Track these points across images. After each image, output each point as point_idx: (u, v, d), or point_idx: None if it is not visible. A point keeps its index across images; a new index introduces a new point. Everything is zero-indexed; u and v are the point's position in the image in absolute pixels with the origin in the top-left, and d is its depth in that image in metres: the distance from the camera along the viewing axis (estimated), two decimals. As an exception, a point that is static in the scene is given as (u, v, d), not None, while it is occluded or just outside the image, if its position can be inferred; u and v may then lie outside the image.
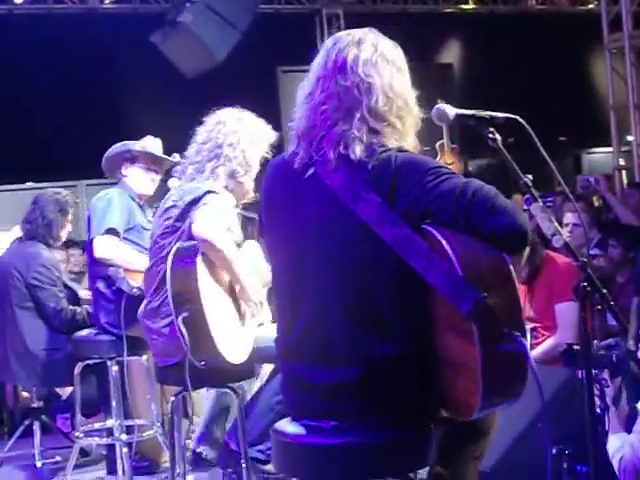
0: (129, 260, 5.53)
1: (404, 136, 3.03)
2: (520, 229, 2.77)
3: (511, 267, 2.81)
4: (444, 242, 2.76)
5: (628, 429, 4.08)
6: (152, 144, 5.90)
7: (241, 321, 4.55)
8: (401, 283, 2.86)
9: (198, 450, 5.24)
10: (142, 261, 5.45)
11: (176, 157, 5.89)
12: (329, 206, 2.94)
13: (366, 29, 3.11)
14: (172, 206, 4.61)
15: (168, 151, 5.93)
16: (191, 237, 4.38)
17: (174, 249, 4.34)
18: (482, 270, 2.79)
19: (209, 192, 4.48)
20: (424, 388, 2.91)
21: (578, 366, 2.95)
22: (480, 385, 2.71)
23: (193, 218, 4.38)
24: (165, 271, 4.41)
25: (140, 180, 5.87)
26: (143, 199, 5.91)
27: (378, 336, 2.87)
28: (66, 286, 6.62)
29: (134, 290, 5.34)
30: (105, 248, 5.51)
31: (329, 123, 3.00)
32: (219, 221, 4.36)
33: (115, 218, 5.58)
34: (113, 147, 5.90)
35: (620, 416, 4.08)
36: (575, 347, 3.93)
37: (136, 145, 5.86)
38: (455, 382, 2.86)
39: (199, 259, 4.28)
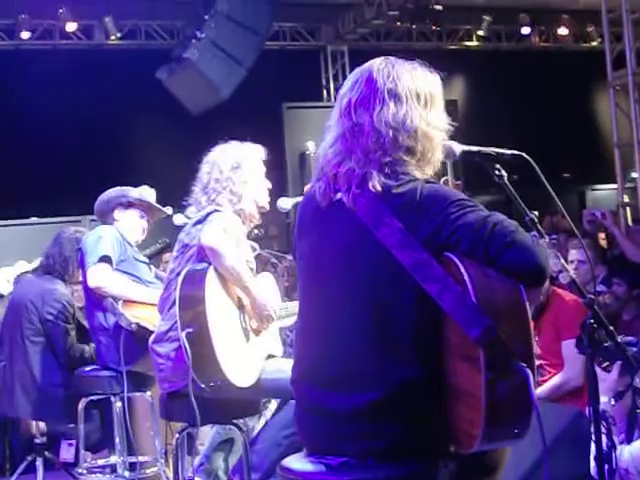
0: (123, 289, 5.53)
1: (424, 160, 3.01)
2: (538, 265, 2.76)
3: (526, 301, 2.79)
4: (461, 267, 2.76)
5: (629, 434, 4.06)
6: (148, 193, 5.92)
7: (248, 339, 4.56)
8: (417, 308, 2.85)
9: (196, 479, 5.23)
10: (137, 290, 5.46)
11: (169, 210, 5.93)
12: (352, 231, 2.95)
13: (379, 59, 3.10)
14: (182, 237, 4.69)
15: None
16: (201, 257, 4.41)
17: (184, 272, 4.39)
18: (496, 300, 2.77)
19: (214, 211, 4.55)
20: (436, 414, 2.89)
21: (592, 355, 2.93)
22: (483, 414, 2.69)
23: (201, 233, 4.42)
24: (174, 295, 4.45)
25: (132, 226, 5.90)
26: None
27: (394, 360, 2.86)
28: (79, 323, 6.60)
29: (132, 325, 5.33)
30: (99, 276, 5.51)
31: (334, 164, 3.02)
32: (225, 232, 4.41)
33: (107, 247, 5.60)
34: (109, 191, 5.91)
35: (622, 409, 4.05)
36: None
37: (133, 192, 5.87)
38: (458, 410, 2.84)
39: (210, 272, 4.33)
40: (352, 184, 2.96)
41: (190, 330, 4.22)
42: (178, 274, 4.50)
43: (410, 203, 2.87)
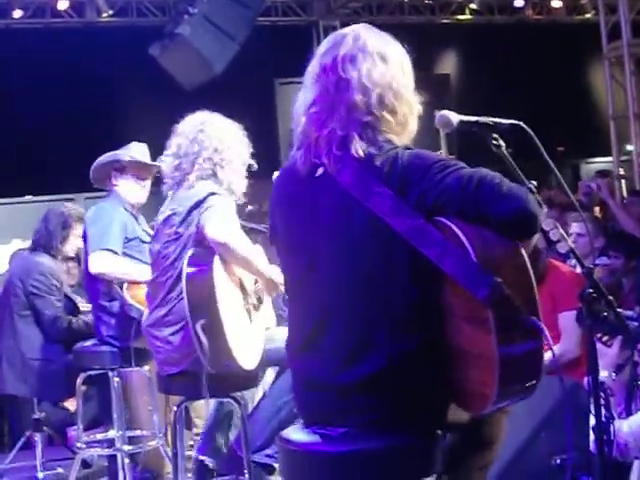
0: (125, 271, 5.52)
1: (403, 126, 3.02)
2: (530, 212, 2.74)
3: (525, 256, 2.78)
4: (457, 230, 2.75)
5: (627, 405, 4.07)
6: (139, 151, 5.89)
7: (251, 320, 4.57)
8: (413, 276, 2.85)
9: (201, 458, 5.23)
10: (139, 271, 5.44)
11: (164, 161, 5.90)
12: (340, 203, 2.93)
13: (358, 25, 3.12)
14: (172, 214, 4.62)
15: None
16: (198, 242, 4.40)
17: (188, 255, 4.36)
18: (496, 258, 2.77)
19: (211, 194, 4.51)
20: (436, 384, 2.89)
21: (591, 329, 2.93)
22: (496, 373, 2.69)
23: (202, 222, 4.39)
24: (171, 280, 4.43)
25: (132, 190, 5.86)
26: (136, 207, 5.90)
27: (390, 332, 2.86)
28: (66, 296, 6.62)
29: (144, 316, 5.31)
30: (100, 263, 5.48)
31: (317, 125, 2.99)
32: (231, 222, 4.41)
33: (113, 239, 5.54)
34: (101, 157, 5.89)
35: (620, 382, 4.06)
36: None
37: (124, 155, 5.85)
38: (468, 374, 2.83)
39: (216, 260, 4.30)
40: (332, 146, 2.94)
41: (203, 321, 4.21)
42: (174, 261, 4.49)
43: (393, 170, 2.86)
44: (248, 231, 4.88)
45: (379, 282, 2.89)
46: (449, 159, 2.92)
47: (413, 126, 3.06)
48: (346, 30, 3.10)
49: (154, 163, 5.85)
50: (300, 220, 3.07)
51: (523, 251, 2.79)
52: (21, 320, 6.50)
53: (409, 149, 2.94)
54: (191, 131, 4.77)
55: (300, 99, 3.08)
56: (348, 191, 2.91)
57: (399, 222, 2.82)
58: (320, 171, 3.00)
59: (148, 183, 5.94)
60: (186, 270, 4.32)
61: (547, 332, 2.76)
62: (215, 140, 4.69)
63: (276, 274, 4.53)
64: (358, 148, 2.91)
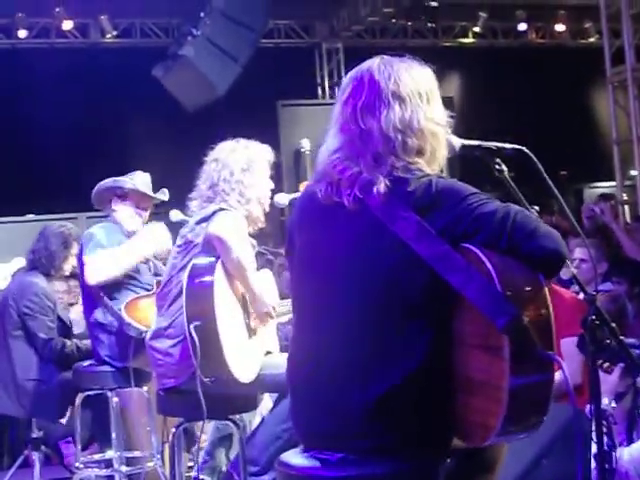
0: (120, 263, 5.55)
1: (431, 157, 3.01)
2: (561, 254, 2.79)
3: (546, 290, 2.79)
4: (484, 258, 2.76)
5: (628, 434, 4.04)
6: (142, 181, 5.90)
7: (250, 335, 4.56)
8: (430, 301, 2.84)
9: (201, 477, 5.22)
10: (127, 254, 5.47)
11: (165, 193, 5.92)
12: (364, 225, 2.93)
13: (374, 61, 3.09)
14: (184, 228, 4.70)
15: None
16: (205, 250, 4.40)
17: (190, 265, 4.38)
18: (518, 288, 2.78)
19: (220, 210, 4.54)
20: (439, 410, 2.87)
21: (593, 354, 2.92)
22: (505, 403, 2.68)
23: (208, 228, 4.43)
24: (176, 290, 4.44)
25: (130, 217, 5.86)
26: (131, 235, 5.90)
27: (400, 357, 2.85)
28: (59, 318, 6.61)
29: (143, 335, 5.30)
30: (94, 269, 5.49)
31: (340, 169, 3.00)
32: (233, 225, 4.42)
33: (103, 242, 5.58)
34: (104, 182, 5.89)
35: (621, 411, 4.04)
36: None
37: (127, 182, 5.85)
38: (470, 403, 2.82)
39: (218, 266, 4.32)
40: (355, 187, 2.94)
41: (198, 323, 4.21)
42: (180, 269, 4.50)
43: (425, 196, 2.86)
44: (257, 255, 4.90)
45: (392, 306, 2.87)
46: (483, 193, 2.92)
47: (442, 153, 3.05)
48: (364, 69, 3.07)
49: (155, 195, 5.88)
50: (318, 239, 3.07)
51: (544, 285, 2.80)
52: (13, 341, 6.48)
53: (442, 177, 2.95)
54: (216, 159, 4.78)
55: (326, 144, 3.09)
56: (373, 214, 2.91)
57: (423, 247, 2.82)
58: (341, 202, 2.99)
59: (146, 214, 5.95)
60: (187, 276, 4.34)
61: (565, 366, 2.74)
62: (237, 168, 4.70)
63: (263, 293, 4.53)
64: (381, 186, 2.90)
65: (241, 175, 4.68)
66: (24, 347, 6.47)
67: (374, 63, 3.08)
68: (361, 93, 3.02)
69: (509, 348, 2.67)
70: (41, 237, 6.63)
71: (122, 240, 5.69)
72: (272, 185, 4.85)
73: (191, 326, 4.21)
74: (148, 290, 5.64)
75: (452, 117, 3.09)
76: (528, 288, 2.80)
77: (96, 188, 5.90)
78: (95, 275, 5.51)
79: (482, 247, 2.79)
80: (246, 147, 4.79)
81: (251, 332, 4.58)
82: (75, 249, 6.47)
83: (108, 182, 5.89)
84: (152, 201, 5.95)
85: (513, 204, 2.87)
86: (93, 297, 5.67)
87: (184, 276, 4.37)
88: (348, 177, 2.97)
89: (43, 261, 6.56)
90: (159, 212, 6.15)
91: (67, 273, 6.85)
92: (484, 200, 2.85)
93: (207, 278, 4.31)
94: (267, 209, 4.82)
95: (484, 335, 2.75)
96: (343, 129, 3.04)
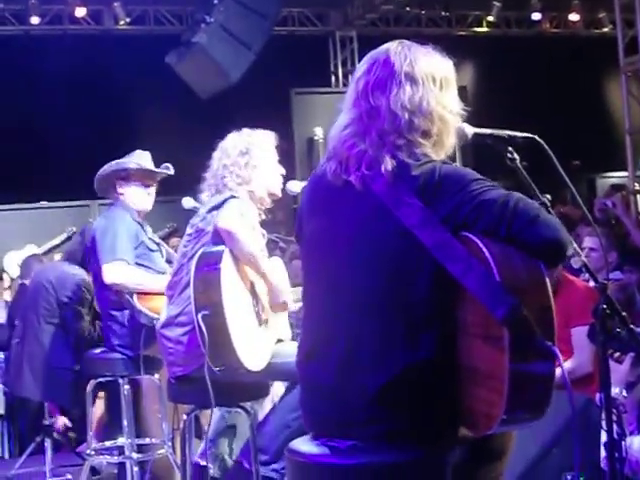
0: (139, 282, 5.52)
1: (438, 143, 3.03)
2: (562, 241, 2.78)
3: (547, 278, 2.79)
4: (483, 247, 2.76)
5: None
6: (144, 158, 5.89)
7: (260, 323, 4.57)
8: (436, 289, 2.85)
9: (202, 464, 5.23)
10: (151, 280, 5.45)
11: (169, 168, 5.90)
12: (369, 210, 2.94)
13: (392, 44, 3.10)
14: (195, 216, 4.73)
15: (179, 169, 5.94)
16: (215, 240, 4.41)
17: (199, 254, 4.40)
18: (518, 278, 2.78)
19: (231, 197, 4.55)
20: (446, 398, 2.88)
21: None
22: (505, 394, 2.68)
23: (217, 217, 4.43)
24: (187, 278, 4.45)
25: (138, 197, 5.88)
26: (142, 215, 5.90)
27: (404, 344, 2.85)
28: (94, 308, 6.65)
29: (154, 323, 5.31)
30: (114, 274, 5.49)
31: (348, 146, 3.02)
32: (241, 217, 4.44)
33: (124, 248, 5.57)
34: (104, 167, 5.88)
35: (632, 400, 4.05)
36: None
37: (130, 163, 5.84)
38: (475, 393, 2.83)
39: (226, 254, 4.32)
40: (362, 165, 2.96)
41: (206, 312, 4.21)
42: (191, 258, 4.50)
43: (429, 182, 2.87)
44: (268, 242, 4.91)
45: (398, 293, 2.88)
46: (486, 179, 2.92)
47: (450, 141, 3.07)
48: (381, 50, 3.10)
49: (159, 170, 5.87)
50: (326, 225, 3.08)
51: (545, 274, 2.80)
52: (47, 327, 6.56)
53: (446, 163, 2.95)
54: (219, 148, 4.82)
55: (338, 121, 3.11)
56: (378, 200, 2.92)
57: (426, 235, 2.83)
58: (349, 181, 3.00)
59: (153, 190, 5.95)
60: (195, 265, 4.34)
61: (561, 357, 2.74)
62: (235, 153, 4.73)
63: (282, 284, 4.54)
64: (389, 166, 2.91)
65: (238, 158, 4.73)
66: (57, 334, 6.53)
67: (392, 45, 3.11)
68: (375, 71, 3.04)
69: (508, 338, 2.67)
70: (81, 233, 6.85)
71: (134, 228, 5.67)
72: (282, 170, 4.86)
73: (199, 315, 4.22)
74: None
75: (466, 110, 3.09)
76: (528, 278, 2.79)
77: (97, 176, 5.89)
78: (114, 279, 5.50)
79: (482, 235, 2.78)
80: (248, 135, 4.85)
81: (261, 320, 4.58)
82: None
83: (109, 167, 5.87)
84: (157, 177, 5.93)
85: (517, 192, 2.85)
86: (107, 290, 5.68)
87: (193, 261, 4.38)
88: (355, 154, 2.99)
89: (78, 254, 6.67)
90: (173, 200, 6.15)
91: None
92: (486, 187, 2.84)
93: (214, 267, 4.31)
94: (279, 194, 4.84)
95: (485, 325, 2.75)
96: (355, 105, 3.06)
